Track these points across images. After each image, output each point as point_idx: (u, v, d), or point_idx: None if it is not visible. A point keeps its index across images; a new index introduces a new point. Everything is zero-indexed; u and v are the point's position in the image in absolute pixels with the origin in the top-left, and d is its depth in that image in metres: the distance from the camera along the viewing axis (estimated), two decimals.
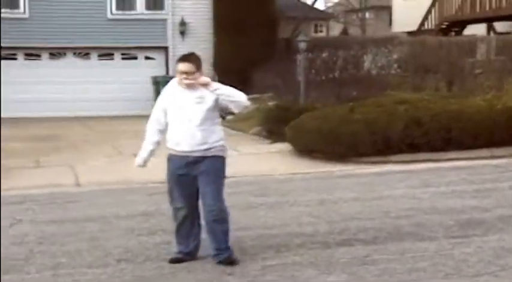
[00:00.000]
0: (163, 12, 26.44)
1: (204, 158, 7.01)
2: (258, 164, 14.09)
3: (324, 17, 49.46)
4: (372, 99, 15.58)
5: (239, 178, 12.54)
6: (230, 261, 7.07)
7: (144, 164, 7.35)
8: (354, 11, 56.47)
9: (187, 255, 7.23)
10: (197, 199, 7.13)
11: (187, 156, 7.01)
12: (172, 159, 7.15)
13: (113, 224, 8.86)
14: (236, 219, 8.94)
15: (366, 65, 22.10)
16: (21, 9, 25.33)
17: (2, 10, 25.07)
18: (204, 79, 7.05)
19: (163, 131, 7.23)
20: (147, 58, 26.68)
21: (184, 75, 7.00)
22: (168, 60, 26.10)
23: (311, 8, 38.76)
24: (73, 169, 13.92)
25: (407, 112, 14.25)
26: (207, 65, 26.07)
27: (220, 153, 7.11)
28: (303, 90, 18.38)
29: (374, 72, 21.52)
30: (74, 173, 13.56)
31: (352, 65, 21.07)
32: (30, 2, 25.28)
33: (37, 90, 25.12)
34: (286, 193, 10.89)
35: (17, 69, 25.54)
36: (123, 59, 26.62)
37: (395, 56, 23.25)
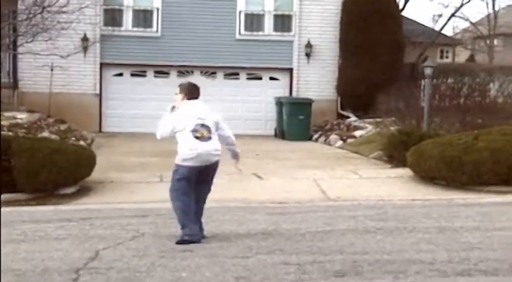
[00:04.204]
0: (290, 34, 26.73)
1: None
2: (377, 189, 14.02)
3: (450, 42, 48.66)
4: (497, 128, 15.26)
5: (358, 202, 12.57)
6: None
7: None
8: (482, 37, 55.37)
9: None
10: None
11: None
12: None
13: (232, 241, 9.00)
14: (353, 242, 8.96)
15: (492, 92, 21.70)
16: (154, 28, 26.20)
17: (135, 29, 26.02)
18: None
19: None
20: (271, 79, 26.95)
21: None
22: (292, 81, 26.32)
23: (438, 33, 38.25)
24: None
25: None
26: (330, 87, 26.18)
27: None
28: (426, 116, 18.17)
29: (500, 100, 21.10)
30: None
31: (478, 93, 20.70)
32: (163, 21, 26.11)
33: (163, 107, 25.72)
34: (405, 219, 10.78)
35: (145, 86, 26.36)
36: (248, 79, 27.03)
37: None
